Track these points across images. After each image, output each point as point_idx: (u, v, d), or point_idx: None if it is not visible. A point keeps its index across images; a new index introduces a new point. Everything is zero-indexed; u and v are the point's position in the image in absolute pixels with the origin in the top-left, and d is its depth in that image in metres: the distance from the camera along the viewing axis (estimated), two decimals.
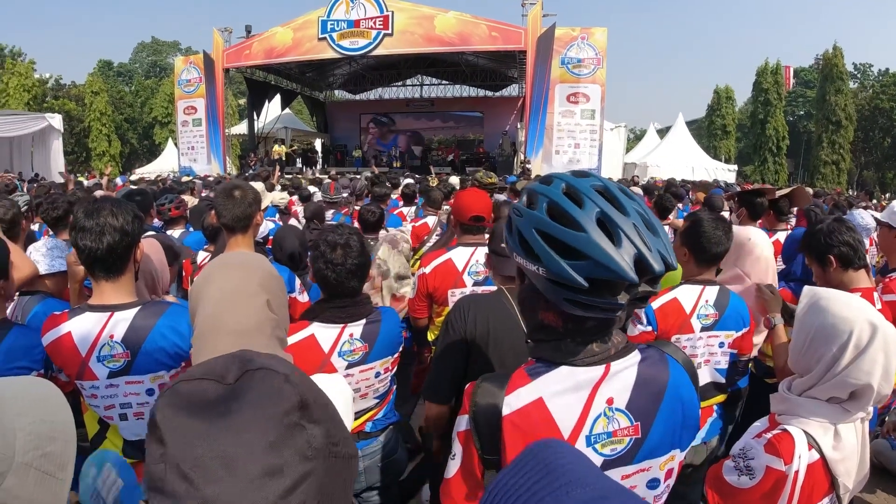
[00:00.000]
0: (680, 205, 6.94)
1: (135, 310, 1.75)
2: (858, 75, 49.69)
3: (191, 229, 4.45)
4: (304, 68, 23.86)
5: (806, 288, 1.49)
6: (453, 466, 1.13)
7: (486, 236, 3.12)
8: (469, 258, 2.79)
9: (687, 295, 2.27)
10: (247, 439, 0.55)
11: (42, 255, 2.53)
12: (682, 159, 25.15)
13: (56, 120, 21.71)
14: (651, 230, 0.99)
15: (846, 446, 1.34)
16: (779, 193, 4.02)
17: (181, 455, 0.54)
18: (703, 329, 2.25)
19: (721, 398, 2.34)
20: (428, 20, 18.78)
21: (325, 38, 19.54)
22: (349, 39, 19.37)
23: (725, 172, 25.62)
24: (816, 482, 1.33)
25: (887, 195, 26.43)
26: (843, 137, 34.74)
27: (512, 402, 1.06)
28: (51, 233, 3.73)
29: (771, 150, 36.73)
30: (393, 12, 18.83)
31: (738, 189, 6.23)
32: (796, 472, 1.29)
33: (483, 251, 2.77)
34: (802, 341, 1.42)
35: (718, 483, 1.43)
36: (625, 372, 1.08)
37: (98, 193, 6.75)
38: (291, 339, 1.78)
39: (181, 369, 1.80)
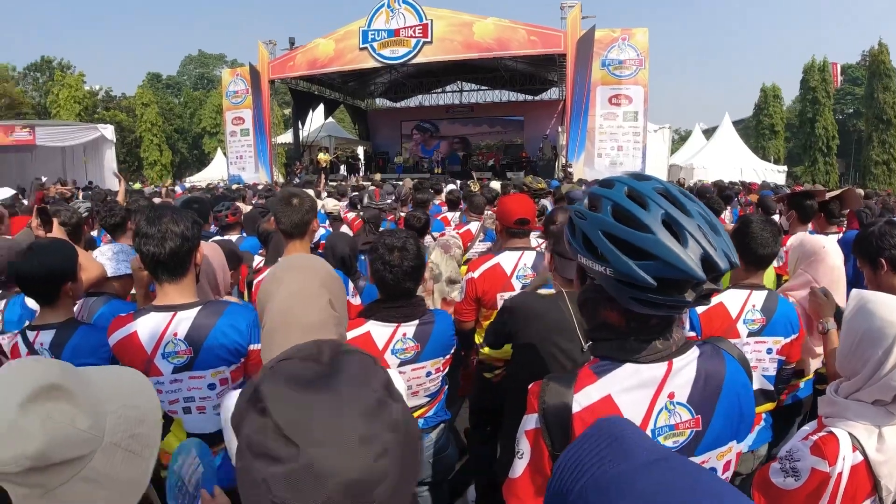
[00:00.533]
0: (729, 207, 6.79)
1: (196, 309, 1.87)
2: None
3: (244, 235, 4.66)
4: (346, 78, 24.35)
5: (854, 291, 1.49)
6: (520, 465, 1.16)
7: (531, 240, 3.18)
8: (517, 262, 2.83)
9: (733, 300, 2.25)
10: (345, 411, 0.64)
11: (108, 258, 2.70)
12: (729, 160, 24.46)
13: (108, 130, 22.66)
14: (714, 230, 1.03)
15: (889, 448, 1.34)
16: (829, 195, 3.92)
17: (286, 423, 0.62)
18: (750, 334, 2.23)
19: (769, 406, 2.30)
20: (467, 27, 18.90)
21: (365, 48, 19.89)
22: (389, 48, 19.67)
23: (775, 174, 24.77)
24: (859, 484, 1.33)
25: None
26: (894, 136, 33.26)
27: (581, 400, 1.10)
28: (108, 238, 3.98)
29: (821, 149, 35.46)
30: (432, 20, 19.02)
31: (788, 191, 6.06)
32: (840, 474, 1.30)
33: (531, 255, 2.82)
34: (850, 344, 1.42)
35: (765, 486, 1.44)
36: (686, 368, 1.12)
37: (156, 201, 7.09)
38: (349, 335, 1.87)
39: (240, 365, 1.92)
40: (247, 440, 0.66)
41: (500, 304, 2.80)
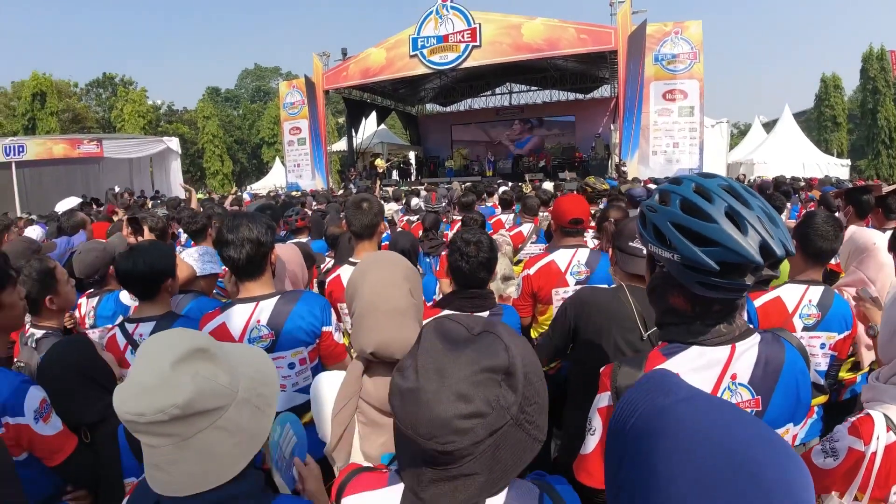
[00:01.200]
0: (789, 203, 6.62)
1: (276, 298, 2.09)
2: None
3: (311, 238, 4.94)
4: (397, 85, 24.86)
5: (894, 280, 1.54)
6: (592, 441, 1.29)
7: (588, 240, 3.27)
8: (571, 259, 2.93)
9: (791, 294, 2.30)
10: (459, 369, 0.85)
11: (195, 259, 2.96)
12: (790, 155, 23.35)
13: (174, 143, 23.85)
14: (772, 221, 1.14)
15: None
16: (886, 190, 3.81)
17: (422, 359, 0.88)
18: (805, 329, 2.27)
19: (822, 399, 2.33)
20: (515, 29, 18.97)
21: (416, 55, 20.28)
22: (439, 54, 19.98)
23: (838, 168, 23.45)
24: (893, 464, 1.38)
25: None
26: None
27: None
28: (183, 241, 4.24)
29: (884, 141, 33.35)
30: (480, 24, 19.21)
31: (851, 185, 5.87)
32: (874, 453, 1.35)
33: (584, 252, 2.92)
34: (890, 331, 1.48)
35: (809, 468, 1.50)
36: (748, 352, 1.23)
37: (227, 206, 7.54)
38: (425, 322, 2.05)
39: (316, 346, 2.14)
40: (404, 360, 0.94)
41: (554, 299, 2.92)
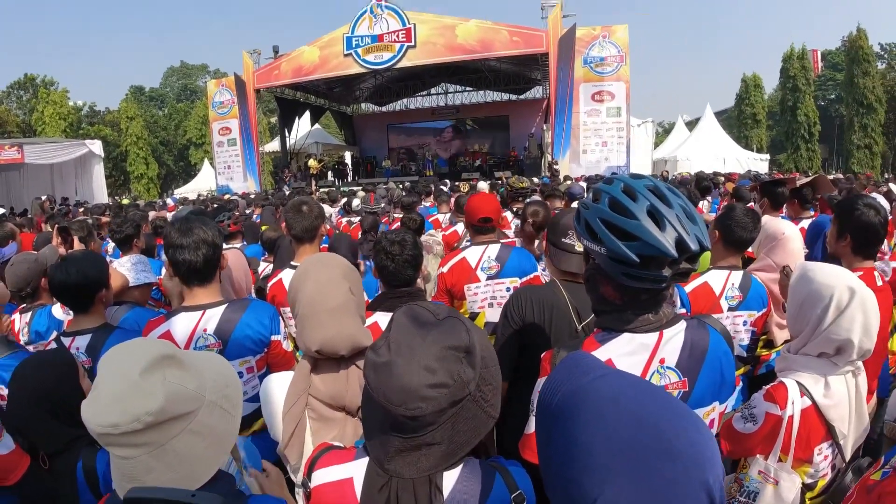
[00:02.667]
0: (709, 197, 7.04)
1: (223, 306, 2.05)
2: (885, 56, 47.95)
3: (245, 243, 4.81)
4: (331, 84, 24.50)
5: (799, 263, 1.71)
6: (534, 421, 1.36)
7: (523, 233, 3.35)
8: (482, 255, 3.00)
9: (716, 279, 2.53)
10: (427, 347, 0.97)
11: (128, 269, 2.87)
12: (712, 151, 24.81)
13: (96, 146, 22.65)
14: (690, 219, 1.24)
15: (835, 394, 1.56)
16: (800, 182, 4.14)
17: (394, 338, 1.00)
18: (730, 309, 2.50)
19: (745, 369, 2.59)
20: (449, 30, 19.15)
21: (350, 54, 20.09)
22: (374, 54, 19.87)
23: (758, 162, 25.14)
24: (812, 427, 1.55)
25: None
26: (874, 120, 33.74)
27: None
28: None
29: (803, 136, 35.88)
30: (415, 24, 19.26)
31: (768, 178, 6.33)
32: (791, 417, 1.52)
33: (495, 248, 3.01)
34: (796, 307, 1.65)
35: (730, 432, 1.66)
36: (675, 338, 1.34)
37: (151, 215, 7.22)
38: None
39: (263, 355, 2.12)
40: (378, 340, 1.05)
41: (467, 294, 3.00)
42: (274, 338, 2.11)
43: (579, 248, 1.93)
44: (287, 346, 2.17)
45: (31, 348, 2.60)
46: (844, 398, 1.58)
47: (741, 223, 2.52)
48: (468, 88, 27.96)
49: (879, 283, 2.47)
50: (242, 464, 1.33)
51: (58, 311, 2.67)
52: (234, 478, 1.15)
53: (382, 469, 1.01)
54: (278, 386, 1.47)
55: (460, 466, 1.03)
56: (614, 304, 1.34)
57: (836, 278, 1.58)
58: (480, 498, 1.02)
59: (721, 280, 2.52)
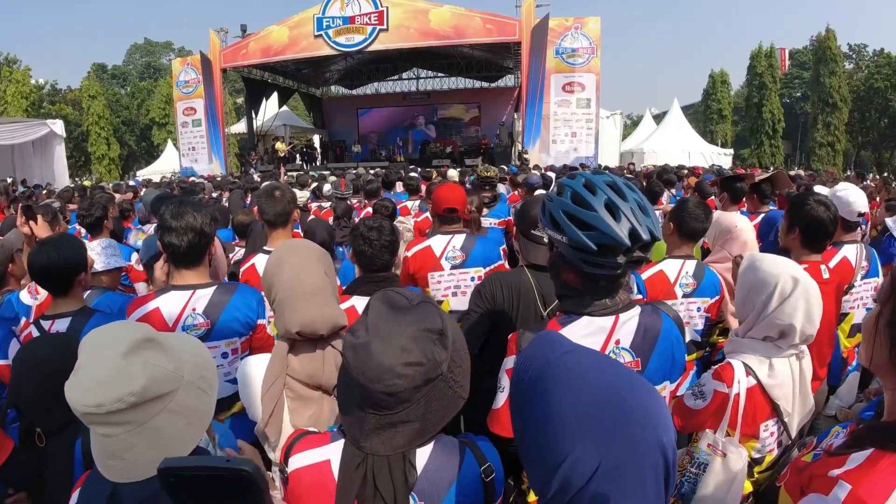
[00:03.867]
0: (673, 190, 7.24)
1: (212, 288, 2.10)
2: (853, 56, 49.57)
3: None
4: (300, 65, 24.06)
5: (746, 253, 1.84)
6: (502, 397, 1.51)
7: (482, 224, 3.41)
8: (447, 245, 3.05)
9: (671, 267, 2.69)
10: (402, 329, 1.03)
11: (97, 253, 2.84)
12: (678, 145, 25.29)
13: (58, 125, 21.79)
14: (643, 212, 1.37)
15: (779, 375, 1.69)
16: (759, 178, 4.32)
17: (371, 321, 1.06)
18: (685, 296, 2.66)
19: (699, 354, 2.76)
20: (422, 14, 19.00)
21: (320, 36, 19.74)
22: (345, 36, 19.58)
23: (722, 157, 25.73)
24: (758, 405, 1.68)
25: (885, 174, 26.55)
26: (838, 119, 34.78)
27: None
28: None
29: (767, 133, 36.81)
30: (387, 7, 19.03)
31: (729, 174, 6.56)
32: (737, 395, 1.66)
33: (460, 238, 3.06)
34: (743, 294, 1.78)
35: (682, 408, 1.80)
36: (629, 321, 1.48)
37: (118, 197, 7.04)
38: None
39: (248, 337, 2.17)
40: (356, 323, 1.11)
41: (431, 283, 3.05)
42: (260, 321, 2.17)
43: (546, 239, 2.02)
44: (270, 330, 2.22)
45: None
46: (788, 379, 1.70)
47: (694, 215, 2.70)
48: (440, 74, 27.77)
49: (826, 275, 2.63)
50: (216, 443, 1.38)
51: (25, 296, 2.63)
52: (209, 452, 1.20)
53: (358, 447, 1.07)
54: (255, 368, 1.52)
55: (432, 443, 1.10)
56: (575, 290, 1.47)
57: (780, 268, 1.70)
58: (452, 472, 1.10)
59: (675, 268, 2.69)
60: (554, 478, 0.75)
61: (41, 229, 2.77)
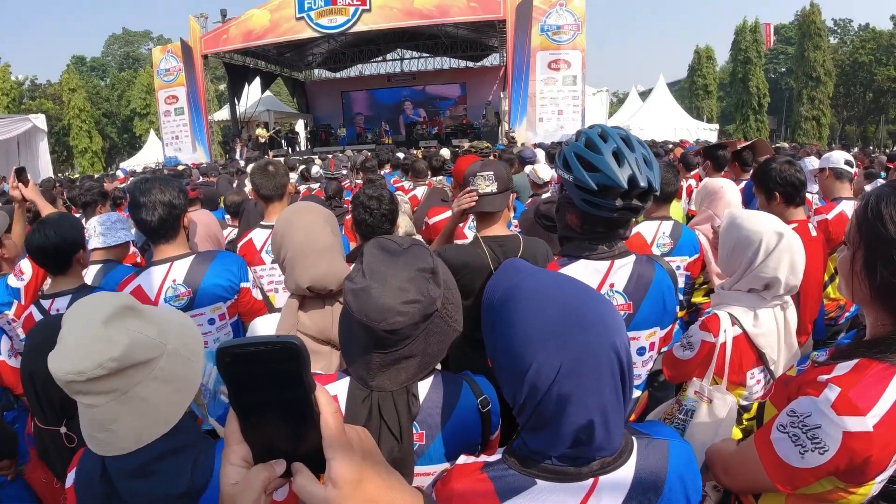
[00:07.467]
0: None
1: (191, 258, 2.13)
2: (838, 31, 49.69)
3: (203, 210, 4.78)
4: (282, 49, 23.73)
5: (726, 211, 1.92)
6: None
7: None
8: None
9: (647, 229, 2.83)
10: (398, 271, 1.10)
11: (101, 231, 2.80)
12: (664, 121, 25.37)
13: (40, 120, 21.48)
14: (647, 164, 1.49)
15: (764, 324, 1.76)
16: (740, 146, 4.41)
17: (368, 266, 1.12)
18: (662, 255, 2.75)
19: (682, 314, 2.88)
20: None
21: (302, 18, 19.46)
22: (327, 17, 19.30)
23: (707, 132, 25.81)
24: (744, 353, 1.76)
25: (870, 148, 26.83)
26: (823, 93, 35.06)
27: None
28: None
29: (753, 108, 37.06)
30: None
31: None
32: (723, 344, 1.73)
33: None
34: (727, 251, 1.84)
35: (671, 359, 1.88)
36: (624, 267, 1.58)
37: (108, 186, 7.00)
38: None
39: (234, 301, 2.20)
40: (352, 271, 1.17)
41: None
42: (243, 284, 2.21)
43: (483, 189, 2.06)
44: (256, 294, 2.26)
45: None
46: (773, 328, 1.78)
47: (664, 179, 2.76)
48: (425, 55, 27.53)
49: (814, 233, 2.72)
50: (207, 411, 1.41)
51: (12, 280, 2.65)
52: (198, 425, 1.20)
53: (367, 387, 1.12)
54: (264, 326, 1.57)
55: (432, 377, 1.18)
56: (575, 232, 1.57)
57: (764, 224, 1.77)
58: (452, 402, 1.17)
59: (652, 230, 2.82)
60: (523, 385, 0.85)
61: (31, 192, 2.76)
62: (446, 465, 1.06)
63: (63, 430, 1.58)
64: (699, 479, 0.96)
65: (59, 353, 0.97)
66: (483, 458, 0.95)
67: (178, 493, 1.04)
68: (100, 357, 0.94)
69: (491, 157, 6.82)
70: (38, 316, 2.19)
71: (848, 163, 3.37)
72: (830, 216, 3.11)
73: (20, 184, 2.70)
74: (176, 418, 1.05)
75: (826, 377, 1.07)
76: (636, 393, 1.79)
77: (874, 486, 1.11)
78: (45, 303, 2.21)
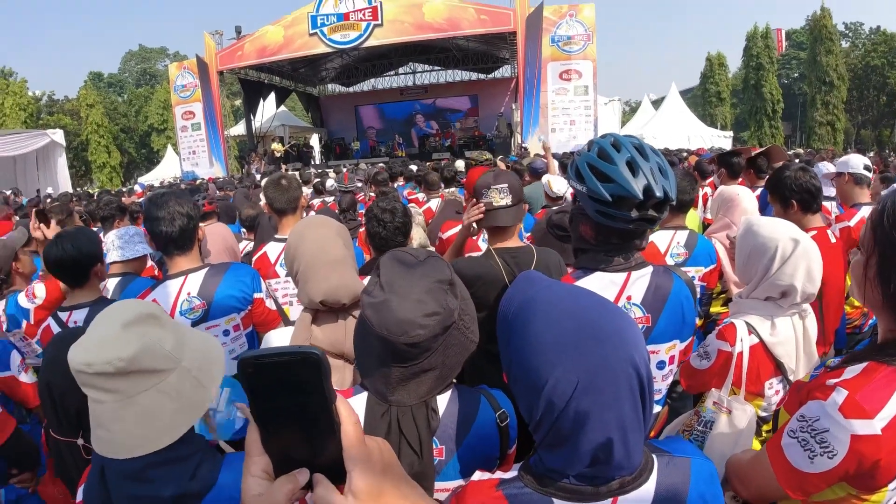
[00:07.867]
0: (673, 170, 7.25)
1: (204, 270, 2.16)
2: (850, 34, 49.21)
3: (219, 223, 4.83)
4: (296, 64, 24.03)
5: (742, 218, 1.88)
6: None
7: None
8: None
9: (661, 238, 2.78)
10: (416, 283, 1.10)
11: (119, 245, 2.83)
12: (677, 129, 25.19)
13: (58, 135, 21.99)
14: (662, 173, 1.45)
15: (781, 333, 1.72)
16: (754, 152, 4.36)
17: (385, 280, 1.12)
18: (677, 265, 2.65)
19: (699, 322, 2.80)
20: (416, 8, 18.95)
21: (315, 34, 19.72)
22: (340, 33, 19.56)
23: (721, 139, 25.62)
24: (761, 363, 1.71)
25: (886, 152, 26.43)
26: (836, 98, 34.58)
27: None
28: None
29: (766, 114, 36.69)
30: (381, 2, 18.99)
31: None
32: (740, 353, 1.69)
33: None
34: (744, 258, 1.81)
35: (688, 370, 1.84)
36: (641, 279, 1.54)
37: (126, 201, 7.12)
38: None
39: (248, 312, 2.22)
40: (369, 285, 1.16)
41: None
42: (257, 295, 2.23)
43: (497, 202, 2.04)
44: (270, 304, 2.28)
45: (11, 336, 2.60)
46: (791, 337, 1.73)
47: (680, 187, 2.73)
48: (436, 68, 27.71)
49: (833, 240, 2.68)
50: (228, 399, 1.42)
51: (23, 299, 2.64)
52: (204, 438, 1.19)
53: (385, 401, 1.11)
54: (278, 339, 1.57)
55: (450, 391, 1.17)
56: (590, 244, 1.53)
57: (780, 231, 1.73)
58: (470, 416, 1.16)
59: (666, 239, 2.78)
60: (539, 400, 0.82)
61: (53, 233, 2.80)
62: (463, 482, 1.05)
63: (80, 441, 1.58)
64: (721, 497, 0.93)
65: (80, 343, 1.01)
66: (499, 474, 0.93)
67: (167, 497, 1.05)
68: (110, 354, 0.98)
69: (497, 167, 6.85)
70: (55, 328, 2.21)
71: (867, 167, 3.33)
72: (853, 223, 3.08)
73: (42, 224, 2.76)
74: (172, 438, 1.04)
75: (834, 381, 1.06)
76: (656, 408, 1.75)
77: (888, 493, 1.08)
78: (63, 315, 2.24)
